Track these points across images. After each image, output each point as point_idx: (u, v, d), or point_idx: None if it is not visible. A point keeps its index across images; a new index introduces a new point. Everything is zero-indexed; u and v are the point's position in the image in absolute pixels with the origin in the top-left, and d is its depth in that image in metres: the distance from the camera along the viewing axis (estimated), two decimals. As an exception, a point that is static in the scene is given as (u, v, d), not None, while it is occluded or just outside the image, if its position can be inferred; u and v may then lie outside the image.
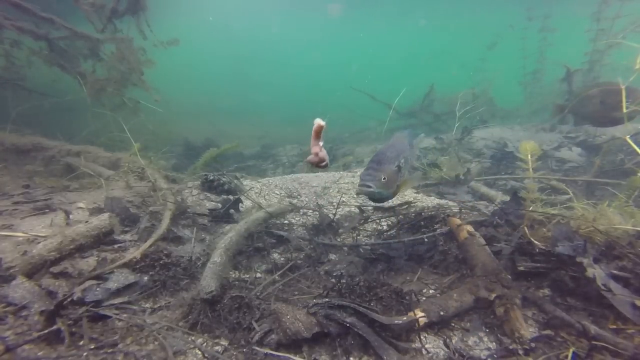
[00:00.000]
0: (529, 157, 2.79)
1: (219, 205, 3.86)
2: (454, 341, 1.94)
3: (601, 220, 2.45)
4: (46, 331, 1.80)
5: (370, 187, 2.14)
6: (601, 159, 5.37)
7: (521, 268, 2.35)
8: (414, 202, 4.11)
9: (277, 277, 2.64)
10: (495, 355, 1.82)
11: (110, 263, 2.50)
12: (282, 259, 3.05)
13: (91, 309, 2.04)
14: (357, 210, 4.01)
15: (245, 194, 4.31)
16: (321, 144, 1.94)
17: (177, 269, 2.55)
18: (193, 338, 1.94)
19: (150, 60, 6.36)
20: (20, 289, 2.05)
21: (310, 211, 4.03)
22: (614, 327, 1.89)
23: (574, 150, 6.85)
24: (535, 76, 11.30)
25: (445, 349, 1.88)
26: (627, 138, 3.15)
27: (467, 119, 7.25)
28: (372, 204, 3.85)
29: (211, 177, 4.47)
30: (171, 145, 8.16)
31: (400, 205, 4.08)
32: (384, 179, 2.15)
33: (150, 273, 2.47)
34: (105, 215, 2.86)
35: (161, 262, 2.56)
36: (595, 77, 8.62)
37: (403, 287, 2.21)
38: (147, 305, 2.26)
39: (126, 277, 2.36)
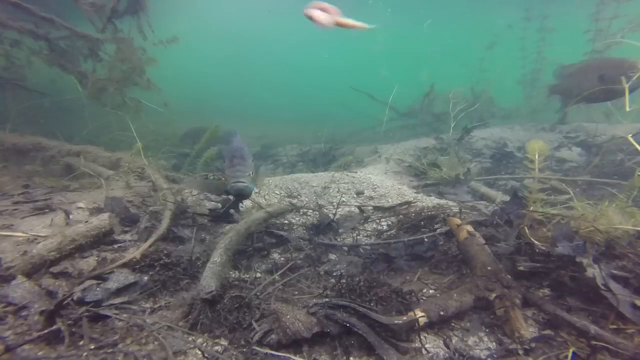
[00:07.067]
0: (536, 157, 2.76)
1: (219, 205, 3.86)
2: (454, 341, 1.94)
3: (601, 220, 2.44)
4: (46, 331, 1.80)
5: (245, 183, 2.39)
6: (601, 158, 5.37)
7: (521, 268, 2.35)
8: (414, 202, 4.11)
9: (277, 277, 2.64)
10: (495, 355, 1.82)
11: (110, 263, 2.50)
12: (282, 259, 3.04)
13: (91, 309, 2.04)
14: (357, 210, 4.01)
15: (245, 194, 4.30)
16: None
17: (177, 269, 2.55)
18: (193, 338, 1.94)
19: (153, 59, 6.35)
20: (20, 289, 2.05)
21: (310, 211, 4.03)
22: (614, 327, 1.89)
23: (574, 150, 6.86)
24: (534, 76, 11.32)
25: (445, 349, 1.88)
26: (630, 137, 3.15)
27: (466, 119, 7.24)
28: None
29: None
30: (171, 145, 8.15)
31: (400, 205, 4.08)
32: (251, 174, 2.41)
33: (150, 273, 2.46)
34: (105, 215, 2.86)
35: (161, 262, 2.55)
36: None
37: (403, 287, 2.21)
38: (147, 305, 2.26)
39: (126, 277, 2.35)
